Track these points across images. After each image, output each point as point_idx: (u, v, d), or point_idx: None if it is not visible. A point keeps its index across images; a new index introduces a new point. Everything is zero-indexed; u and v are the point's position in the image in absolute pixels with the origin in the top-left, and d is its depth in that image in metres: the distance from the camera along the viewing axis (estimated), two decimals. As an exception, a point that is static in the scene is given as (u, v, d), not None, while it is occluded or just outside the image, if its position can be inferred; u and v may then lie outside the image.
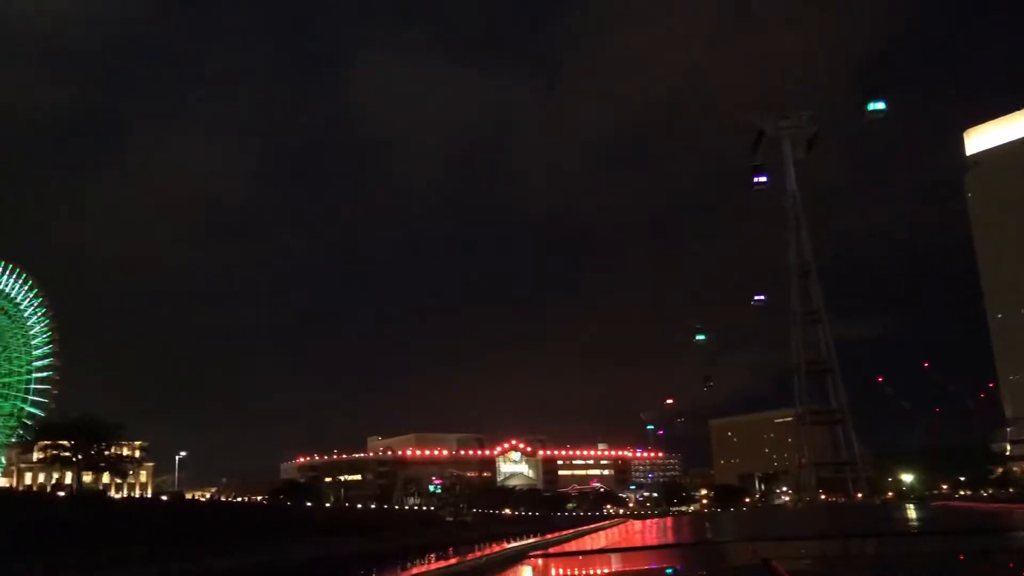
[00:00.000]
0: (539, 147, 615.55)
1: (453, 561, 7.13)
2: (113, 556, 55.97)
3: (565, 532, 14.33)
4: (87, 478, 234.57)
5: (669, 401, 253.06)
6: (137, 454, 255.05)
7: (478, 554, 7.50)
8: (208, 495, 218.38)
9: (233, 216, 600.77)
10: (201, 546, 71.55)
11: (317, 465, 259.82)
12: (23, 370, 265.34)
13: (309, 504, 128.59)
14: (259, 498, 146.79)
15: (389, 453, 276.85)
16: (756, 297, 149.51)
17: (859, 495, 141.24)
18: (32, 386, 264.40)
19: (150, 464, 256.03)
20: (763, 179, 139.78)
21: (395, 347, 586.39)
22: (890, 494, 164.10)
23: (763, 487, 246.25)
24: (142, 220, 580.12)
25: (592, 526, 16.39)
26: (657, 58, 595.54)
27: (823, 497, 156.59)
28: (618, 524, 17.53)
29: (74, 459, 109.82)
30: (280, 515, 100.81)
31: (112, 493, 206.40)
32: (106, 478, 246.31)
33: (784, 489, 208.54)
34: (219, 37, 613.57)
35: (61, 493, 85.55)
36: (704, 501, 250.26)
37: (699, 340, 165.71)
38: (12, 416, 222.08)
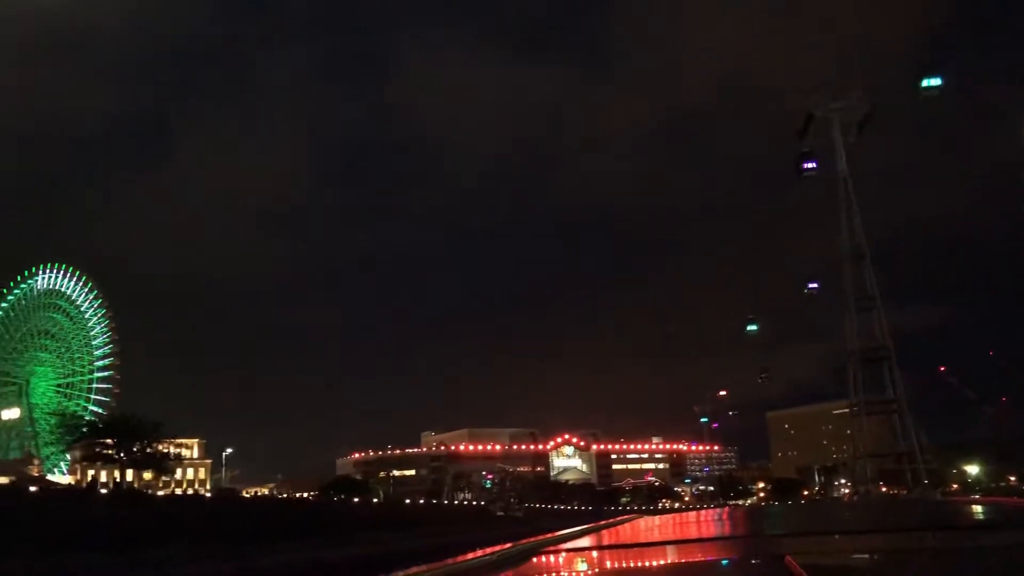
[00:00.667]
0: (584, 140, 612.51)
1: (469, 556, 6.85)
2: (137, 556, 55.58)
3: (580, 527, 12.94)
4: (147, 475, 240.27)
5: (722, 393, 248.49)
6: (194, 452, 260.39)
7: (488, 551, 7.31)
8: (263, 492, 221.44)
9: (283, 215, 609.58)
10: (239, 544, 71.13)
11: (371, 461, 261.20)
12: (85, 370, 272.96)
13: (356, 500, 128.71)
14: (307, 494, 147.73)
15: (442, 448, 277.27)
16: (809, 285, 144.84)
17: (918, 488, 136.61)
18: (95, 385, 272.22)
19: (208, 461, 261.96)
20: (812, 165, 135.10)
21: (449, 343, 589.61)
22: (954, 486, 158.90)
23: (823, 479, 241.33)
24: (189, 221, 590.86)
25: (600, 523, 15.28)
26: (701, 49, 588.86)
27: (884, 489, 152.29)
28: (627, 521, 16.29)
29: (116, 457, 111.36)
30: (323, 511, 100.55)
31: (170, 490, 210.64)
32: (165, 475, 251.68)
33: (843, 481, 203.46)
34: (264, 37, 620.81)
35: (103, 491, 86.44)
36: (761, 494, 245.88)
37: (751, 331, 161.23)
38: (58, 415, 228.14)
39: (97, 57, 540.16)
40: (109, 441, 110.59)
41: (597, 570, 7.13)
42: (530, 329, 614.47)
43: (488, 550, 7.48)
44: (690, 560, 7.41)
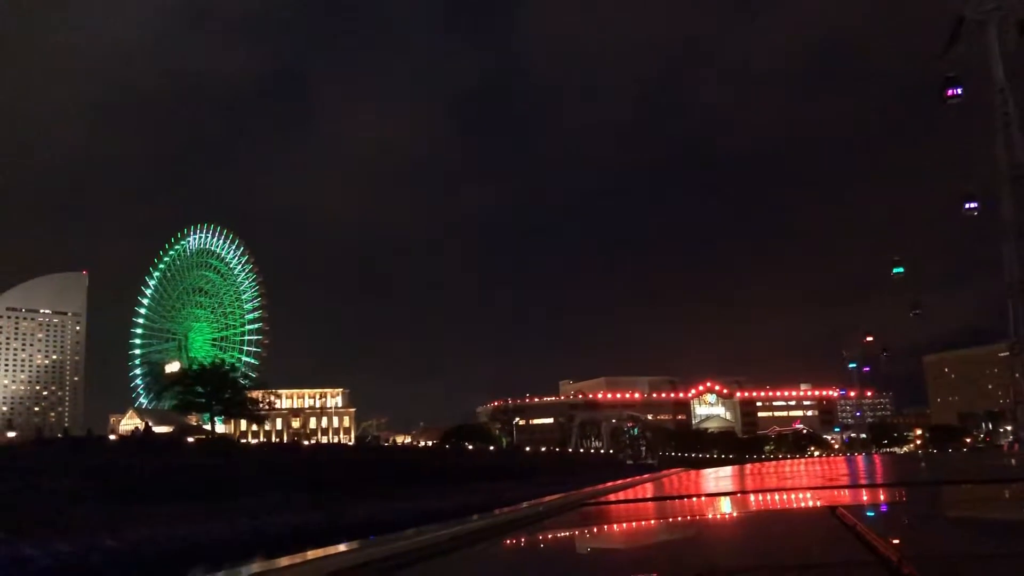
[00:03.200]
0: (721, 77, 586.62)
1: (518, 508, 7.04)
2: (219, 505, 54.90)
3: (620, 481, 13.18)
4: (296, 424, 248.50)
5: (869, 339, 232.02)
6: (338, 401, 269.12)
7: (535, 502, 7.57)
8: (403, 440, 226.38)
9: (415, 167, 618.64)
10: (333, 494, 70.20)
11: (507, 409, 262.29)
12: (237, 324, 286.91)
13: (470, 448, 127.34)
14: (429, 442, 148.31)
15: (580, 397, 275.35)
16: (967, 205, 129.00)
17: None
18: (246, 338, 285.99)
19: (351, 410, 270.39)
20: (957, 92, 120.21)
21: (588, 292, 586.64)
22: None
23: (989, 427, 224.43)
24: (325, 175, 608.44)
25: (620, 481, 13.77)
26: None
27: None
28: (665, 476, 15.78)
29: (210, 405, 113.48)
30: (428, 461, 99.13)
31: (315, 438, 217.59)
32: (313, 424, 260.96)
33: (1009, 428, 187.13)
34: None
35: (190, 439, 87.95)
36: (918, 441, 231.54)
37: (897, 273, 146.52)
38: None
39: (231, 16, 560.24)
40: (200, 389, 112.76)
41: (643, 522, 6.82)
42: (670, 277, 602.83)
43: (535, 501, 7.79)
44: (739, 512, 7.39)
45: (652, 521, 6.84)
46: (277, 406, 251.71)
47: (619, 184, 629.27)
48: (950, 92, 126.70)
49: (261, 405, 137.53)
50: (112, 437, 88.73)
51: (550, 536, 5.84)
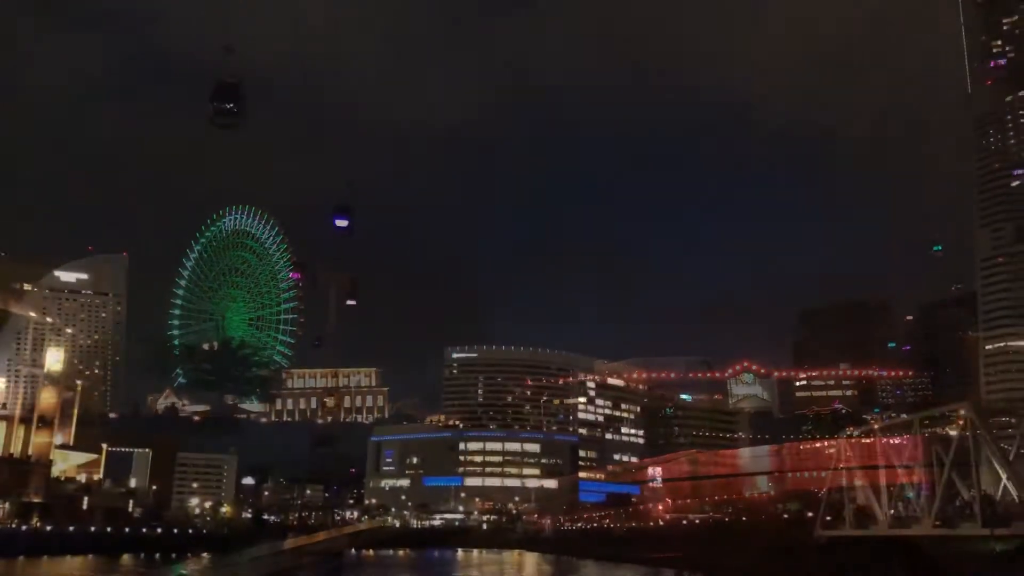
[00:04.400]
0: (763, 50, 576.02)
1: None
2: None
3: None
4: (330, 402, 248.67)
5: (908, 318, 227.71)
6: (372, 380, 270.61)
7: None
8: (437, 419, 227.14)
9: (446, 141, 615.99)
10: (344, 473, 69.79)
11: (542, 388, 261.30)
12: (273, 303, 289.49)
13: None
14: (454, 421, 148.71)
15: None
16: (1016, 171, 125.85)
17: None
18: (282, 317, 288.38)
19: (384, 389, 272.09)
20: (1000, 63, 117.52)
21: (622, 271, 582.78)
22: None
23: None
24: (365, 151, 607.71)
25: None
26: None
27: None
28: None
29: (219, 382, 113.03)
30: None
31: (346, 417, 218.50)
32: (348, 403, 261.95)
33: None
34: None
35: (196, 418, 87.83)
36: (960, 422, 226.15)
37: (936, 251, 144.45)
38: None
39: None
40: (208, 366, 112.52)
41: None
42: (703, 257, 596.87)
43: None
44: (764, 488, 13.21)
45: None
46: (312, 385, 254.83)
47: (652, 160, 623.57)
48: (992, 64, 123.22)
49: (272, 380, 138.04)
50: (112, 416, 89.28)
51: None
